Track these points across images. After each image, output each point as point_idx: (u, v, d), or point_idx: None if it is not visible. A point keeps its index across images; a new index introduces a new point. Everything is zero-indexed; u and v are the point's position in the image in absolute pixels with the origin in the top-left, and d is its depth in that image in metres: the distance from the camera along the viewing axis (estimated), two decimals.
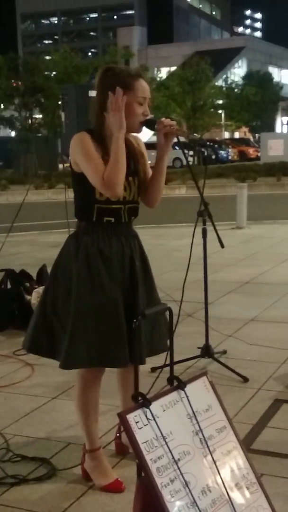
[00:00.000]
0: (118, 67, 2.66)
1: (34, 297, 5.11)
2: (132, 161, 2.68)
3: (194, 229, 3.74)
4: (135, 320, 2.11)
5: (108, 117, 2.57)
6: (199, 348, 4.14)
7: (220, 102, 40.01)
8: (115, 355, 2.59)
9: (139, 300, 2.67)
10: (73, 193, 2.71)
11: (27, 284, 5.41)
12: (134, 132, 2.68)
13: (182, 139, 2.80)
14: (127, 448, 2.91)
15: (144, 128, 2.68)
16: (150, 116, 2.65)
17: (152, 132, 2.75)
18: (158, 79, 39.19)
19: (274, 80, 47.03)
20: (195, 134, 2.86)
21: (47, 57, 35.50)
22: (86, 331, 2.57)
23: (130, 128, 2.62)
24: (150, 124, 2.66)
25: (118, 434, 3.00)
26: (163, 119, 2.66)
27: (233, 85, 45.19)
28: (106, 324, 2.59)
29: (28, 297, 5.19)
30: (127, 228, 2.71)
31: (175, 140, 2.80)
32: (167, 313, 2.27)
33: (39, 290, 5.18)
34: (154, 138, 2.76)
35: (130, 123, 2.59)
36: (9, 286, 5.41)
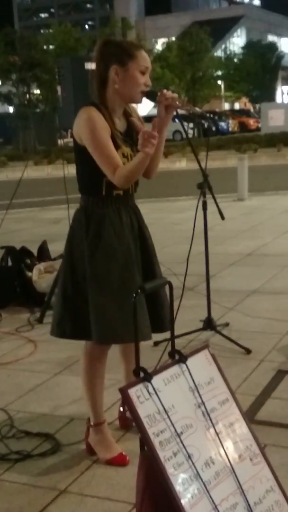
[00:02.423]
0: (117, 38, 2.62)
1: (35, 274, 5.10)
2: (134, 132, 2.66)
3: (198, 202, 3.71)
4: (134, 294, 2.09)
5: (114, 90, 2.55)
6: (201, 321, 4.13)
7: (220, 73, 39.58)
8: (141, 328, 2.53)
9: (156, 270, 2.70)
10: (77, 167, 2.66)
11: (28, 261, 5.39)
12: (135, 102, 2.66)
13: (182, 111, 2.74)
14: (131, 421, 2.90)
15: (144, 100, 2.64)
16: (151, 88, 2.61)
17: (152, 105, 2.70)
18: (156, 50, 38.64)
19: (277, 49, 46.26)
20: (197, 108, 2.83)
21: (46, 31, 35.08)
22: (109, 306, 2.55)
23: (131, 98, 2.61)
24: (151, 95, 2.63)
25: (121, 409, 3.01)
26: (165, 91, 2.62)
27: (232, 55, 44.63)
28: (126, 294, 2.55)
29: (29, 273, 5.18)
30: (132, 200, 2.71)
31: (174, 112, 2.76)
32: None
33: (40, 267, 5.17)
34: (154, 111, 2.71)
35: (132, 92, 2.57)
36: (10, 263, 5.40)
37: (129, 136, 2.64)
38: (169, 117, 2.64)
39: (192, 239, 3.67)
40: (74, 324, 2.63)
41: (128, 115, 2.70)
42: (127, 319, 2.53)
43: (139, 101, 2.64)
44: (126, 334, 2.54)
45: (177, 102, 2.61)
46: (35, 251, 5.63)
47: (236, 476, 2.06)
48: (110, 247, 2.58)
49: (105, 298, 2.56)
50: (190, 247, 3.67)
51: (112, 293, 2.56)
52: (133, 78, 2.55)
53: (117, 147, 2.55)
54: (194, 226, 3.66)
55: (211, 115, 37.12)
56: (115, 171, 2.50)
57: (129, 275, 2.60)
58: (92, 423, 2.76)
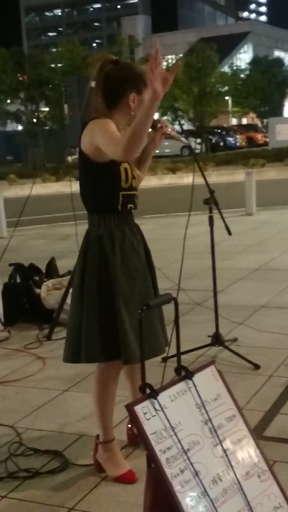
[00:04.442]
0: (125, 62, 2.74)
1: (44, 291, 5.12)
2: None
3: (188, 218, 3.73)
4: (140, 311, 2.10)
5: (130, 116, 2.60)
6: (209, 336, 4.12)
7: (227, 88, 39.75)
8: (160, 344, 2.70)
9: (156, 286, 2.75)
10: (89, 185, 2.64)
11: (37, 278, 5.41)
12: None
13: (186, 126, 2.90)
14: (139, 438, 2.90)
15: None
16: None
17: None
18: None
19: (283, 64, 46.44)
20: (183, 139, 3.21)
21: (53, 49, 35.42)
22: (127, 323, 2.56)
23: None
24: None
25: (130, 425, 3.00)
26: (162, 121, 2.79)
27: (238, 71, 44.80)
28: (130, 314, 2.59)
29: (37, 290, 5.20)
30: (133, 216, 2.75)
31: (180, 129, 2.85)
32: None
33: (48, 284, 5.19)
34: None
35: None
36: (18, 280, 5.42)
37: None
38: (160, 141, 2.82)
39: (182, 255, 3.69)
40: (106, 344, 2.59)
41: None
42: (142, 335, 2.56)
43: None
44: (132, 354, 2.57)
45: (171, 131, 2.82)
46: (43, 268, 5.65)
47: (244, 493, 2.05)
48: (132, 265, 2.62)
49: (123, 315, 2.57)
50: (181, 263, 3.68)
51: (129, 310, 2.58)
52: None
53: (118, 162, 2.55)
54: (184, 242, 3.68)
55: (218, 130, 37.43)
56: (118, 143, 2.38)
57: (147, 294, 2.67)
58: (101, 440, 2.75)
